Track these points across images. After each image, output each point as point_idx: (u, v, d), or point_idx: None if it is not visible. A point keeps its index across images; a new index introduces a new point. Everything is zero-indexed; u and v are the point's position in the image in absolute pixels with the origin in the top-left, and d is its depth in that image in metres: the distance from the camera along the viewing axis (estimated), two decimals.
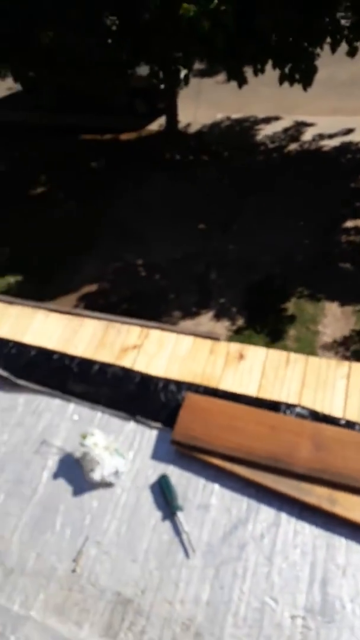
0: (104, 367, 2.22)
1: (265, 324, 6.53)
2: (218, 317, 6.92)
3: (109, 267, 7.58)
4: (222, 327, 6.75)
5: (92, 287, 7.29)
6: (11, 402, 2.20)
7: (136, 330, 2.39)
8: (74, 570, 1.78)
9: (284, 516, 1.84)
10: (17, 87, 8.75)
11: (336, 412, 2.07)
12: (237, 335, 6.58)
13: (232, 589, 1.71)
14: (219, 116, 10.46)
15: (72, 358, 2.25)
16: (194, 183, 8.66)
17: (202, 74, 10.95)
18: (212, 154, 9.38)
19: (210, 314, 6.96)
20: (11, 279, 7.55)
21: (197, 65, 9.31)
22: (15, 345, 2.31)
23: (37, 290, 7.21)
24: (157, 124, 10.16)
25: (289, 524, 1.83)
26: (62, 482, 1.97)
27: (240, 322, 6.80)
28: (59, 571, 1.79)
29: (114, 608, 1.70)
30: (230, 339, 6.52)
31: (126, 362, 2.26)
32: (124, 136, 9.97)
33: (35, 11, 5.59)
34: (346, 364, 2.20)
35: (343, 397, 2.12)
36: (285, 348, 6.03)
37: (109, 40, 6.30)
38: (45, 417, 2.14)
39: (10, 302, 2.54)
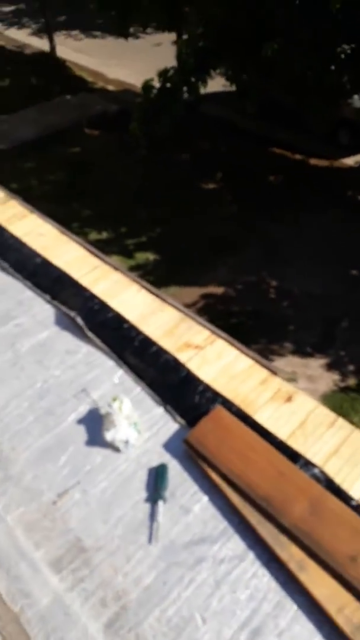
0: (161, 352, 2.39)
1: None
2: (330, 367, 6.67)
3: (242, 278, 7.72)
4: (330, 378, 6.51)
5: (218, 290, 7.51)
6: (75, 347, 2.49)
7: (205, 334, 2.52)
8: (54, 502, 2.00)
9: (251, 556, 1.85)
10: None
11: (355, 494, 1.99)
12: (341, 394, 6.31)
13: (172, 589, 1.79)
14: None
15: (138, 332, 2.46)
16: None
17: None
18: None
19: (323, 361, 6.74)
20: (150, 257, 8.08)
21: None
22: (100, 304, 2.59)
23: (168, 273, 7.66)
24: (354, 160, 9.94)
25: (252, 565, 1.83)
26: (81, 429, 2.20)
27: (352, 381, 6.48)
28: (44, 497, 2.02)
29: (69, 549, 1.88)
30: (333, 394, 6.28)
31: (182, 356, 2.40)
32: (314, 161, 9.95)
33: (267, 22, 5.89)
34: None
35: None
36: None
37: (332, 67, 6.37)
38: (95, 371, 2.38)
39: (115, 269, 2.83)
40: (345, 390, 6.42)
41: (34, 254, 2.94)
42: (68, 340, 2.54)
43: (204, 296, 7.48)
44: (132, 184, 9.13)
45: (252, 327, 7.03)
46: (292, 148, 10.16)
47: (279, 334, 6.96)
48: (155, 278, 7.71)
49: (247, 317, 7.20)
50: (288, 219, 8.55)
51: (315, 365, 6.67)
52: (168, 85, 6.81)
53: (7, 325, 2.65)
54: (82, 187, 9.10)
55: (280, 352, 6.78)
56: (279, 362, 6.60)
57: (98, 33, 13.70)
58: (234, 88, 7.97)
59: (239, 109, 10.07)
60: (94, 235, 8.39)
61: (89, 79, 12.16)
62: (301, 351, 6.80)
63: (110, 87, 11.86)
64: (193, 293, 7.45)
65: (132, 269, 7.89)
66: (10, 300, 2.76)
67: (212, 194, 9.29)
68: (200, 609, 1.75)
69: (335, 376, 6.57)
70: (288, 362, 6.65)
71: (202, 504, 1.98)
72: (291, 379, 7.18)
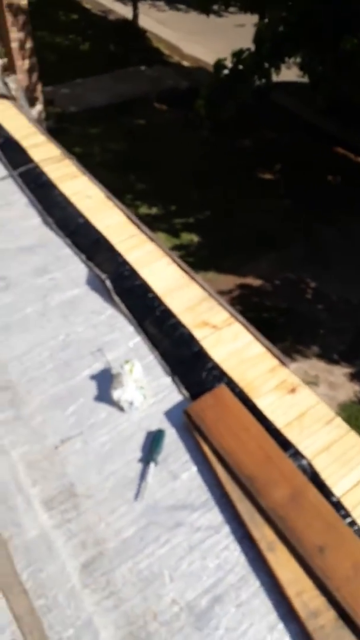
0: (179, 325, 2.48)
1: None
2: (354, 377, 6.59)
3: (282, 274, 7.67)
4: (351, 389, 6.45)
5: (255, 282, 7.50)
6: (101, 308, 2.61)
7: (224, 315, 2.59)
8: (56, 447, 2.14)
9: (226, 529, 1.95)
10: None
11: (337, 491, 2.05)
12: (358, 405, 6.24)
13: (147, 545, 1.90)
14: None
15: (161, 303, 2.55)
16: None
17: None
18: None
19: (348, 370, 6.66)
20: (195, 238, 8.12)
21: None
22: (130, 271, 2.70)
23: (209, 257, 7.69)
24: None
25: (225, 538, 1.93)
26: (92, 385, 2.33)
27: None
28: (47, 440, 2.16)
29: (62, 492, 2.02)
30: (351, 404, 6.23)
31: (198, 333, 2.49)
32: None
33: (350, 15, 5.73)
34: None
35: (354, 484, 2.08)
36: None
37: None
38: (115, 333, 2.50)
39: (151, 239, 2.92)
40: None
41: (77, 214, 3.07)
42: (95, 300, 2.67)
43: (241, 286, 7.49)
44: (190, 164, 9.15)
45: (282, 324, 7.00)
46: (357, 150, 9.90)
47: (308, 335, 6.92)
48: (196, 260, 7.77)
49: (279, 314, 7.17)
50: (339, 222, 8.40)
51: (339, 373, 6.61)
52: (240, 67, 6.73)
53: (42, 278, 2.80)
54: (142, 159, 9.19)
55: (306, 354, 6.75)
56: (303, 364, 6.58)
57: (182, 7, 13.60)
58: (306, 79, 7.80)
59: (309, 102, 9.85)
60: (144, 209, 8.50)
61: (166, 51, 12.14)
62: (327, 357, 6.75)
63: (185, 63, 11.81)
64: (230, 281, 7.47)
65: (176, 248, 7.97)
66: (49, 255, 2.90)
67: (267, 185, 9.20)
68: (170, 568, 1.86)
69: (357, 387, 6.50)
70: (312, 366, 6.62)
71: (190, 473, 2.08)
72: (312, 382, 7.17)
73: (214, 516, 1.98)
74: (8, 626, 1.72)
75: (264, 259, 7.78)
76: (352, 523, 1.96)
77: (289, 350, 6.68)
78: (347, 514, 1.97)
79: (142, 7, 12.86)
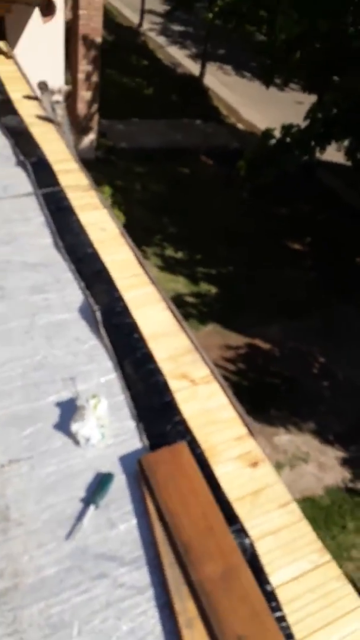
0: (157, 372, 2.46)
1: None
2: (346, 463, 6.38)
3: (292, 343, 7.63)
4: (341, 474, 6.24)
5: (264, 345, 7.46)
6: (85, 337, 2.62)
7: (205, 372, 2.56)
8: (2, 466, 2.10)
9: (149, 593, 1.85)
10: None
11: (274, 580, 1.94)
12: (346, 493, 6.00)
13: (64, 590, 1.81)
14: None
15: (144, 346, 2.55)
16: None
17: None
18: None
19: (341, 454, 6.46)
20: (213, 290, 8.18)
21: None
22: (123, 308, 2.72)
23: (223, 311, 7.72)
24: None
25: (147, 602, 1.83)
26: (55, 412, 2.30)
27: None
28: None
29: None
30: (337, 490, 6.02)
31: (174, 384, 2.46)
32: None
33: None
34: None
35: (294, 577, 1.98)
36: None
37: None
38: (92, 365, 2.49)
39: (152, 282, 2.95)
40: (351, 491, 6.14)
41: (88, 243, 3.13)
42: (82, 328, 2.68)
43: (249, 345, 7.47)
44: (224, 220, 9.35)
45: (283, 393, 6.91)
46: None
47: (307, 409, 6.79)
48: (209, 311, 7.82)
49: (282, 381, 7.09)
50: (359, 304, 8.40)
51: (332, 455, 6.43)
52: (287, 140, 6.98)
53: (37, 296, 2.83)
54: (178, 206, 9.43)
55: (301, 428, 6.61)
56: (297, 438, 6.43)
57: (248, 74, 14.28)
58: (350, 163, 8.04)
59: (353, 185, 10.09)
60: (170, 252, 8.66)
61: (224, 111, 12.67)
62: (323, 436, 6.59)
63: (240, 126, 12.28)
64: (239, 339, 7.46)
65: (193, 295, 8.05)
66: (49, 276, 2.95)
67: (294, 254, 9.33)
68: (82, 621, 1.76)
69: (347, 474, 6.30)
70: (305, 442, 6.47)
71: (128, 525, 2.01)
72: (302, 458, 6.94)
73: (141, 576, 1.89)
74: None
75: (277, 324, 7.78)
76: (281, 619, 1.84)
77: (284, 420, 6.55)
78: (278, 607, 1.86)
79: (210, 68, 13.54)
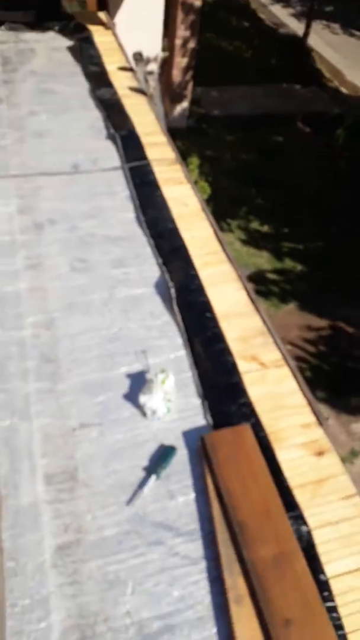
0: (226, 352, 2.48)
1: None
2: None
3: None
4: None
5: (350, 328, 7.14)
6: (159, 313, 2.69)
7: (276, 355, 2.53)
8: (74, 429, 2.25)
9: (202, 565, 1.92)
10: None
11: (329, 570, 1.93)
12: None
13: (122, 551, 1.94)
14: None
15: (216, 325, 2.56)
16: None
17: None
18: None
19: None
20: (299, 267, 7.91)
21: None
22: (197, 286, 2.73)
23: (308, 291, 7.46)
24: None
25: (199, 573, 1.90)
26: (126, 383, 2.41)
27: None
28: (69, 421, 2.27)
29: (65, 472, 2.12)
30: None
31: (243, 365, 2.46)
32: None
33: None
34: None
35: (350, 570, 1.95)
36: None
37: None
38: (163, 340, 2.56)
39: (230, 261, 2.92)
40: None
41: (169, 218, 3.15)
42: (156, 303, 2.74)
43: (332, 327, 7.17)
44: (317, 193, 8.92)
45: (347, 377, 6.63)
46: None
47: None
48: (292, 289, 7.59)
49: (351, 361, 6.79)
50: None
51: None
52: None
53: (118, 269, 2.93)
54: (268, 176, 9.12)
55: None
56: None
57: (358, 33, 13.25)
58: None
59: None
60: (255, 225, 8.45)
61: (327, 74, 11.90)
62: None
63: (343, 89, 11.50)
64: (322, 321, 7.19)
65: (277, 271, 7.83)
66: (130, 250, 3.03)
67: None
68: (136, 581, 1.88)
69: None
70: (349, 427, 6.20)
71: (187, 498, 2.08)
72: None
73: (195, 548, 1.96)
74: None
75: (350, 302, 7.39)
76: (333, 609, 1.83)
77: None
78: (330, 598, 1.85)
79: (316, 27, 12.71)
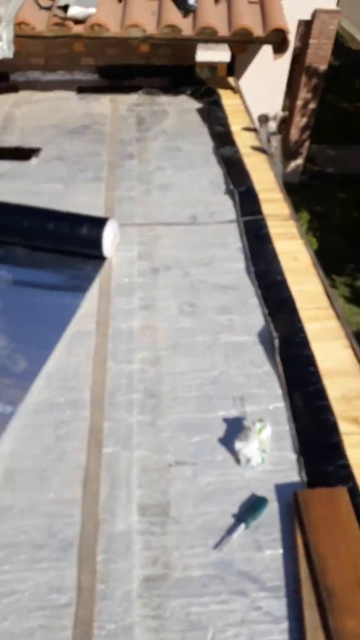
0: (327, 410, 2.45)
1: None
2: None
3: None
4: None
5: None
6: (260, 362, 2.74)
7: None
8: (170, 465, 2.34)
9: (283, 625, 1.88)
10: None
11: None
12: None
13: (206, 594, 1.96)
14: None
15: (318, 381, 2.56)
16: None
17: None
18: None
19: None
20: None
21: None
22: (303, 339, 2.76)
23: None
24: None
25: (280, 634, 1.86)
26: (222, 426, 2.47)
27: None
28: (166, 455, 2.37)
29: (157, 505, 2.20)
30: None
31: (344, 426, 2.41)
32: None
33: None
34: None
35: None
36: None
37: None
38: (262, 390, 2.60)
39: (338, 318, 2.91)
40: None
41: (278, 271, 3.24)
42: (258, 352, 2.80)
43: None
44: None
45: None
46: None
47: None
48: None
49: None
50: None
51: None
52: None
53: (223, 316, 3.05)
54: None
55: None
56: None
57: None
58: None
59: None
60: None
61: None
62: None
63: None
64: None
65: None
66: (237, 298, 3.14)
67: None
68: (216, 628, 1.88)
69: None
70: None
71: (274, 552, 2.06)
72: None
73: (279, 606, 1.93)
74: (71, 591, 1.96)
75: None
76: None
77: None
78: None
79: None
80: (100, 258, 3.31)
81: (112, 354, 2.83)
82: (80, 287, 3.18)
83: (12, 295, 3.20)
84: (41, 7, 4.53)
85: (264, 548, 2.08)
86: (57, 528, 2.13)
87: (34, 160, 4.14)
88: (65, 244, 3.33)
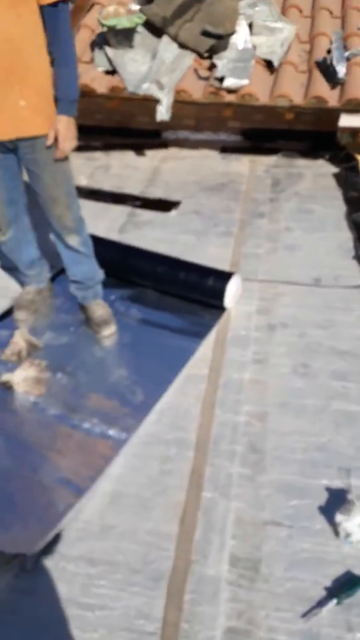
0: None
1: None
2: None
3: None
4: None
5: None
6: None
7: None
8: (265, 524, 2.36)
9: None
10: None
11: None
12: None
13: None
14: None
15: None
16: None
17: None
18: None
19: None
20: None
21: None
22: None
23: None
24: None
25: None
26: (324, 495, 2.45)
27: None
28: (263, 513, 2.40)
29: (249, 560, 2.23)
30: None
31: None
32: None
33: None
34: None
35: None
36: None
37: None
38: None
39: None
40: None
41: None
42: None
43: None
44: None
45: None
46: None
47: None
48: None
49: None
50: None
51: None
52: None
53: (338, 382, 3.03)
54: None
55: None
56: None
57: None
58: None
59: None
60: None
61: None
62: None
63: None
64: None
65: None
66: (355, 365, 3.09)
67: None
68: None
69: None
70: None
71: None
72: None
73: None
74: (157, 622, 2.05)
75: None
76: None
77: None
78: None
79: None
80: (221, 308, 3.50)
81: (220, 402, 2.95)
82: (200, 333, 3.38)
83: (139, 332, 3.51)
84: (199, 77, 5.03)
85: (355, 630, 2.00)
86: (152, 558, 2.26)
87: (173, 212, 4.52)
88: (192, 292, 3.58)
